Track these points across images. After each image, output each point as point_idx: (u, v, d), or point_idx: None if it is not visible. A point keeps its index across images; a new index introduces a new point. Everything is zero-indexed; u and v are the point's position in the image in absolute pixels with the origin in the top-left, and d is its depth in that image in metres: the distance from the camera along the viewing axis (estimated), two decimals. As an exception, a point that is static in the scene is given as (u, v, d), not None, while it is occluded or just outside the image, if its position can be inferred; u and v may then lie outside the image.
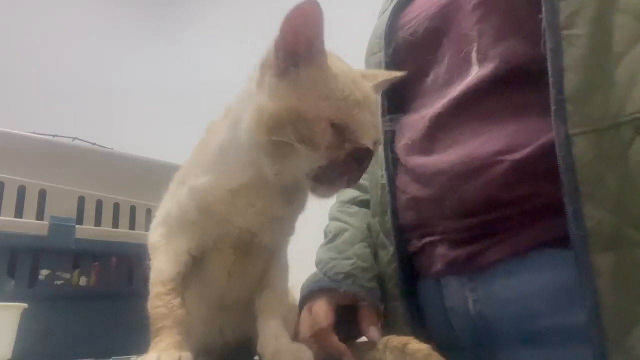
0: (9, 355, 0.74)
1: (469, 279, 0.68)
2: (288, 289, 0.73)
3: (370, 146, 0.57)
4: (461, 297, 0.68)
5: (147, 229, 1.08)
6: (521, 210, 0.61)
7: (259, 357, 0.66)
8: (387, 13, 0.82)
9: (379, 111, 0.65)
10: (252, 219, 0.61)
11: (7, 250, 0.88)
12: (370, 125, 0.57)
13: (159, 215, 0.71)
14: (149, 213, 1.10)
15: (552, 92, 0.56)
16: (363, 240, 0.81)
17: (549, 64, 0.57)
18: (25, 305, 0.76)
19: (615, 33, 0.55)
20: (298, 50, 0.54)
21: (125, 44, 2.74)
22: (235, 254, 0.64)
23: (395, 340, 0.67)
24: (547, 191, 0.58)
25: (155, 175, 1.20)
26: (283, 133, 0.53)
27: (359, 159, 0.57)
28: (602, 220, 0.53)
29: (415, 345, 0.63)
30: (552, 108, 0.56)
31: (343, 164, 0.56)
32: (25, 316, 0.76)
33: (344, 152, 0.55)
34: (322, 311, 0.74)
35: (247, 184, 0.60)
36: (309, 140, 0.53)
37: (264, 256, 0.68)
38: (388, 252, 0.78)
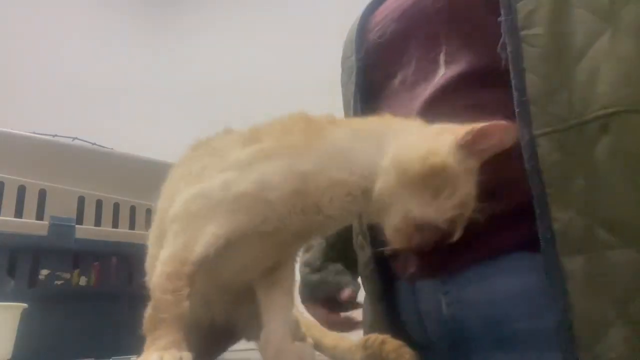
0: (9, 356, 0.74)
1: (442, 283, 0.68)
2: (294, 285, 0.72)
3: None
4: (434, 300, 0.69)
5: (147, 229, 1.08)
6: (491, 213, 0.61)
7: (260, 353, 0.66)
8: (359, 15, 0.83)
9: None
10: (315, 223, 0.60)
11: (7, 250, 0.88)
12: None
13: (201, 185, 0.62)
14: (149, 213, 1.10)
15: (514, 93, 0.56)
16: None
17: (510, 65, 0.57)
18: (25, 305, 0.77)
19: (575, 29, 0.54)
20: (485, 147, 0.57)
21: (125, 44, 2.74)
22: (271, 248, 0.63)
23: (373, 337, 0.71)
24: (517, 194, 0.57)
25: (155, 175, 1.21)
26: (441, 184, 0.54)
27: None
28: (570, 222, 0.52)
29: (391, 342, 0.68)
30: (516, 110, 0.56)
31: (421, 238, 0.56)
32: (25, 316, 0.76)
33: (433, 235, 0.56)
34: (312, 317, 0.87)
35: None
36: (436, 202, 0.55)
37: (287, 253, 0.67)
38: (366, 253, 0.78)
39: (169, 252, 0.59)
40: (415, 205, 0.55)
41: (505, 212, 0.60)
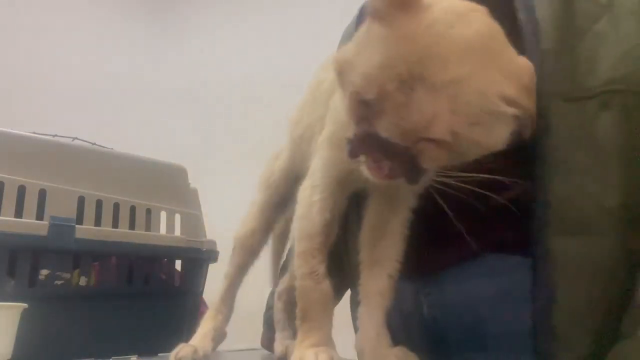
0: (9, 356, 0.74)
1: (422, 284, 0.68)
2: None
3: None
4: (416, 301, 0.69)
5: (147, 229, 1.09)
6: (471, 213, 0.61)
7: (357, 353, 0.63)
8: (354, 17, 0.82)
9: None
10: None
11: (7, 250, 0.88)
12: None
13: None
14: (149, 213, 1.10)
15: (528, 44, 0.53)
16: None
17: (520, 14, 0.54)
18: (25, 305, 0.76)
19: (575, 11, 0.53)
20: None
21: (125, 44, 2.74)
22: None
23: None
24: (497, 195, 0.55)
25: (155, 175, 1.21)
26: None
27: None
28: (567, 200, 0.50)
29: None
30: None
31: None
32: (25, 316, 0.76)
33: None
34: None
35: None
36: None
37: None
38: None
39: (297, 228, 0.57)
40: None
41: (484, 214, 0.59)
